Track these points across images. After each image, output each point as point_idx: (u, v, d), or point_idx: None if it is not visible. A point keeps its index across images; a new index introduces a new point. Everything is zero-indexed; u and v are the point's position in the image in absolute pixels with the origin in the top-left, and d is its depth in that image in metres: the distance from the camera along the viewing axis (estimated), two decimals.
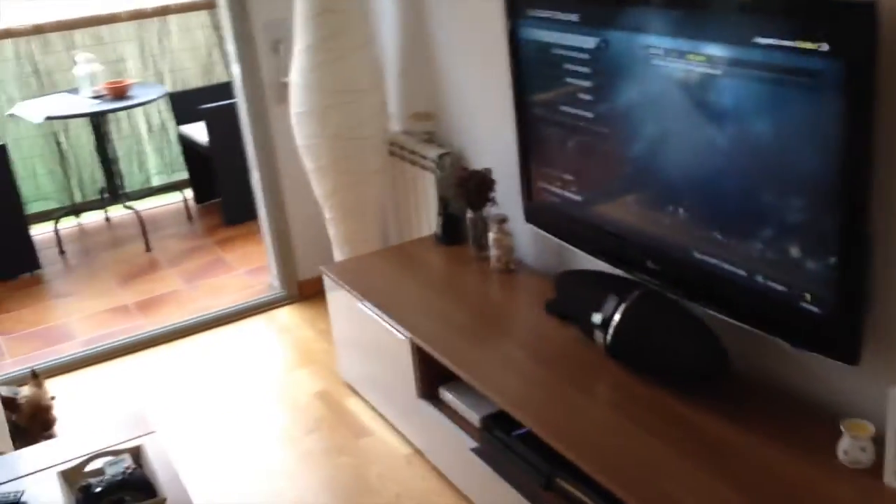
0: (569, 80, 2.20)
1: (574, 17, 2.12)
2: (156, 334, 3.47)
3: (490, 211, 2.75)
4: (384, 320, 2.55)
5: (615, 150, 2.13)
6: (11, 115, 4.26)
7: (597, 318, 2.16)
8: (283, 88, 3.36)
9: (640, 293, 2.13)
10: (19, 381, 3.03)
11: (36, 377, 2.76)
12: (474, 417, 2.33)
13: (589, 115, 2.18)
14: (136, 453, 1.87)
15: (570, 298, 2.38)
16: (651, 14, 1.89)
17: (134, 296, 3.92)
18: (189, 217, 4.83)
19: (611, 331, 2.12)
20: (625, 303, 2.12)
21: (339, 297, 2.83)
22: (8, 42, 4.57)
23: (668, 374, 2.07)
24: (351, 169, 3.11)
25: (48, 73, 4.66)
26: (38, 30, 4.63)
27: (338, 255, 3.31)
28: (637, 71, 1.97)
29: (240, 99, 3.50)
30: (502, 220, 2.65)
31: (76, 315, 3.78)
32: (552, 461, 2.01)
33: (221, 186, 4.57)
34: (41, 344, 3.54)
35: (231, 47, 3.40)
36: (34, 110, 4.20)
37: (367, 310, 2.64)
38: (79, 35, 4.72)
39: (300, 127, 3.11)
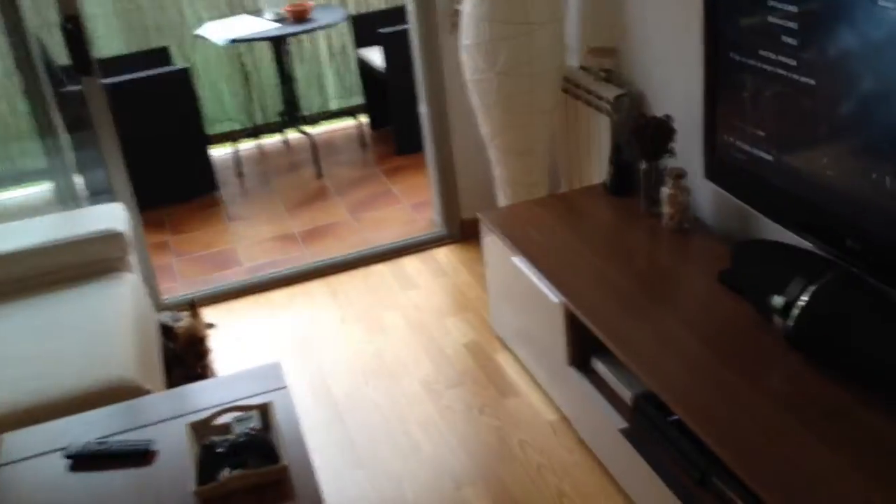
0: (771, 20, 1.86)
1: None
2: (315, 267, 3.44)
3: (667, 163, 2.45)
4: (537, 279, 2.34)
5: (821, 105, 1.78)
6: (198, 36, 4.32)
7: (778, 300, 1.85)
8: (456, 16, 3.16)
9: (835, 275, 1.80)
10: (183, 307, 3.11)
11: (193, 307, 2.78)
12: (626, 394, 2.10)
13: (792, 62, 1.83)
14: (265, 410, 1.80)
15: (750, 272, 2.07)
16: None
17: (301, 224, 3.92)
18: (363, 143, 4.78)
19: (794, 315, 1.81)
20: (815, 284, 1.80)
21: (494, 247, 2.65)
22: None
23: (860, 376, 1.74)
24: (520, 108, 2.87)
25: None
26: None
27: (501, 198, 3.11)
28: (856, 12, 1.61)
29: (412, 25, 3.33)
30: (679, 175, 2.34)
31: (245, 241, 3.83)
32: (710, 456, 1.76)
33: (395, 114, 4.47)
34: (210, 268, 3.61)
35: None
36: (220, 32, 4.23)
37: (520, 265, 2.44)
38: None
39: (469, 60, 2.90)
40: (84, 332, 2.33)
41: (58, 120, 3.06)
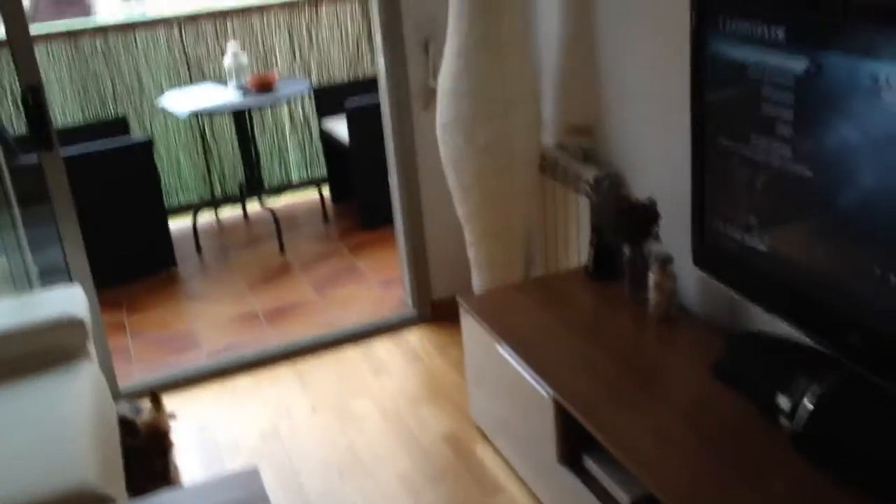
0: (765, 107, 1.83)
1: (780, 34, 1.74)
2: (281, 350, 3.30)
3: (651, 247, 2.39)
4: (524, 370, 2.25)
5: (819, 196, 1.74)
6: (159, 107, 4.21)
7: (784, 401, 1.78)
8: (430, 93, 3.11)
9: (841, 375, 1.74)
10: (141, 395, 2.95)
11: (156, 398, 2.62)
12: (623, 497, 2.00)
13: (787, 151, 1.79)
14: None
15: (746, 366, 2.00)
16: (885, 35, 1.49)
17: (264, 302, 3.78)
18: (325, 217, 4.69)
19: (802, 418, 1.74)
20: (820, 385, 1.73)
21: (474, 333, 2.56)
22: (162, 29, 4.54)
23: (871, 482, 1.67)
24: (497, 187, 2.82)
25: (198, 62, 4.61)
26: (192, 18, 4.59)
27: (476, 279, 3.03)
28: (857, 104, 1.58)
29: (384, 100, 3.28)
30: (666, 261, 2.29)
31: (206, 321, 3.67)
32: None
33: (359, 188, 4.39)
34: (168, 351, 3.45)
35: (378, 43, 3.17)
36: (181, 103, 4.13)
37: (505, 354, 2.35)
38: (230, 24, 4.64)
39: (445, 137, 2.84)
40: (40, 431, 2.16)
41: (9, 193, 2.92)
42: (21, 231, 2.92)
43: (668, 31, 2.31)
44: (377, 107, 3.37)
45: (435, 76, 2.97)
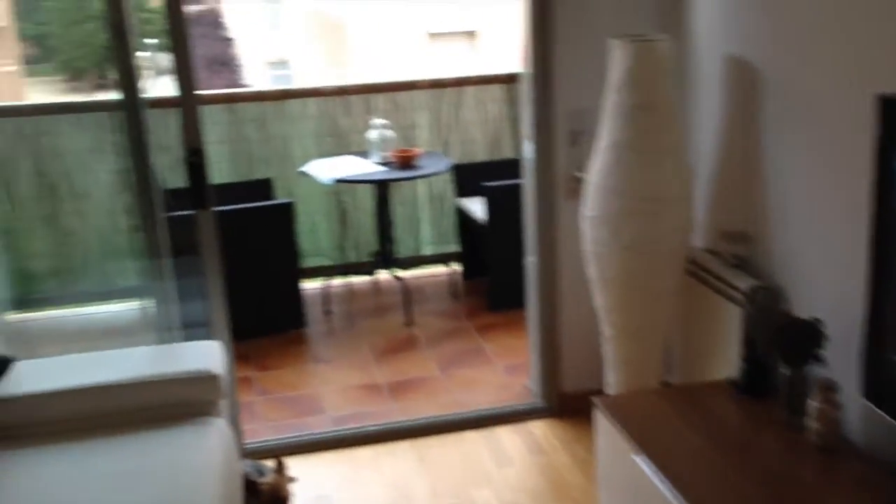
0: None
1: None
2: (403, 426, 3.27)
3: (813, 371, 2.25)
4: (663, 484, 2.12)
5: None
6: (303, 173, 4.34)
7: None
8: (575, 183, 3.08)
9: None
10: (264, 454, 2.96)
11: (280, 463, 2.62)
12: None
13: None
14: None
15: None
16: None
17: (388, 374, 3.77)
18: (454, 293, 4.68)
19: None
20: None
21: (609, 437, 2.45)
22: (313, 100, 4.70)
23: None
24: (640, 285, 2.74)
25: (344, 134, 4.74)
26: (342, 91, 4.74)
27: (610, 377, 2.93)
28: None
29: (528, 184, 3.27)
30: (830, 388, 2.14)
31: (331, 386, 3.69)
32: None
33: (491, 268, 4.38)
34: (294, 412, 3.47)
35: (527, 129, 3.18)
36: (325, 170, 4.25)
37: (642, 464, 2.23)
38: (378, 99, 4.77)
39: (590, 231, 2.79)
40: (166, 483, 2.17)
41: (162, 243, 3.01)
42: (169, 281, 3.01)
43: (842, 140, 2.21)
44: (515, 188, 3.37)
45: (582, 167, 2.94)
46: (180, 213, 2.98)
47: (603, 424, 2.49)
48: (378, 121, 4.39)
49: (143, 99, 2.74)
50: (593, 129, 2.78)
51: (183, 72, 2.72)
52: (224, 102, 4.63)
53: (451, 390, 3.60)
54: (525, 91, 3.15)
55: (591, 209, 2.78)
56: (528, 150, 3.21)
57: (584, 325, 3.20)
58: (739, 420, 2.38)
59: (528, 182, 3.27)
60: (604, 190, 2.71)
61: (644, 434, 2.31)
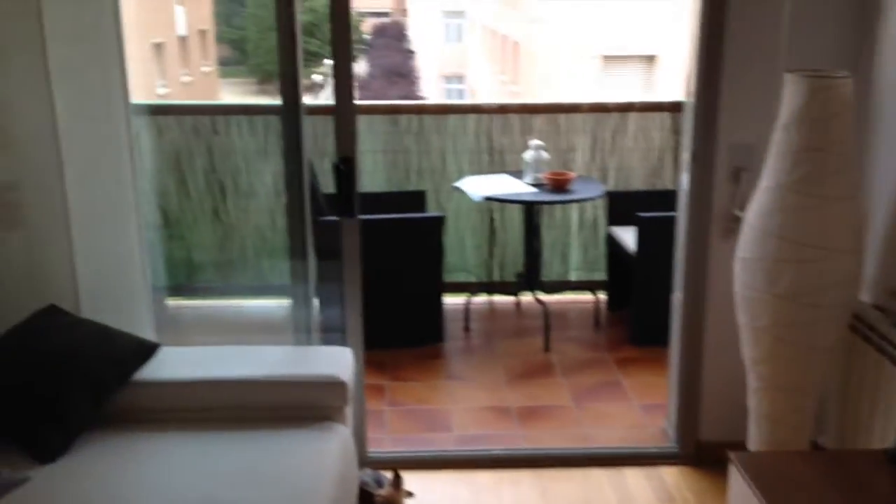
0: None
1: None
2: (528, 454, 3.19)
3: None
4: None
5: None
6: (455, 188, 4.35)
7: None
8: (733, 222, 2.90)
9: None
10: (385, 465, 2.95)
11: (397, 477, 2.61)
12: None
13: None
14: None
15: None
16: None
17: (519, 399, 3.70)
18: (597, 323, 4.55)
19: None
20: None
21: (742, 496, 2.27)
22: (473, 117, 4.71)
23: None
24: (795, 338, 2.53)
25: (501, 152, 4.72)
26: (503, 110, 4.73)
27: (753, 431, 2.73)
28: None
29: (681, 219, 3.12)
30: None
31: (461, 404, 3.66)
32: None
33: (637, 301, 4.22)
34: (421, 426, 3.47)
35: (685, 161, 3.03)
36: (477, 187, 4.24)
37: None
38: (538, 120, 4.72)
39: (743, 274, 2.62)
40: (282, 483, 2.19)
41: (309, 246, 3.08)
42: (312, 284, 3.06)
43: None
44: (669, 221, 3.22)
45: (741, 206, 2.77)
46: (332, 218, 3.04)
47: (738, 482, 2.31)
48: (535, 142, 4.34)
49: (302, 105, 2.81)
50: (758, 167, 2.61)
51: (341, 81, 2.76)
52: (386, 113, 4.71)
53: (582, 423, 3.49)
54: (686, 121, 3.01)
55: (745, 251, 2.60)
56: (684, 183, 3.06)
57: (729, 372, 3.00)
58: (893, 499, 2.15)
59: (681, 216, 3.12)
60: (762, 232, 2.53)
61: (781, 499, 2.12)
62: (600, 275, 4.78)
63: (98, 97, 2.64)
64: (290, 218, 2.97)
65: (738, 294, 2.66)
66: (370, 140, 4.62)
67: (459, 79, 29.41)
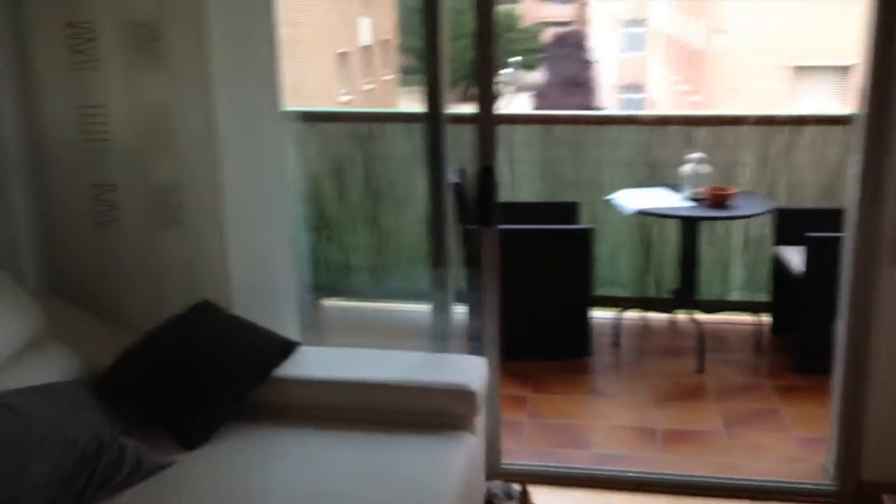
0: None
1: None
2: (669, 481, 3.05)
3: None
4: None
5: None
6: (609, 201, 4.26)
7: None
8: None
9: None
10: (517, 477, 2.92)
11: (525, 492, 2.57)
12: None
13: None
14: None
15: None
16: None
17: (665, 421, 3.56)
18: (758, 347, 4.30)
19: None
20: None
21: None
22: (631, 127, 4.59)
23: None
24: None
25: (658, 165, 4.57)
26: (662, 121, 4.58)
27: None
28: None
29: (847, 240, 2.89)
30: None
31: (602, 422, 3.57)
32: None
33: (803, 326, 3.96)
34: (558, 440, 3.40)
35: (854, 175, 2.80)
36: (631, 200, 4.13)
37: None
38: (699, 132, 4.53)
39: None
40: (404, 489, 2.21)
41: (450, 253, 3.08)
42: (450, 291, 3.07)
43: None
44: (839, 241, 2.99)
45: None
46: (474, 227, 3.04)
47: None
48: (694, 155, 4.17)
49: (444, 113, 2.83)
50: None
51: (484, 92, 2.76)
52: (541, 123, 4.67)
53: (732, 451, 3.30)
54: (856, 134, 2.79)
55: None
56: (852, 201, 2.84)
57: None
58: None
59: (848, 236, 2.89)
60: None
61: None
62: (763, 296, 4.53)
63: (255, 104, 2.76)
64: (432, 225, 2.99)
65: None
66: (524, 150, 4.59)
67: (638, 88, 28.83)
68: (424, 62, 2.78)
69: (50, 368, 2.40)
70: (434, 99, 2.81)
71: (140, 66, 2.62)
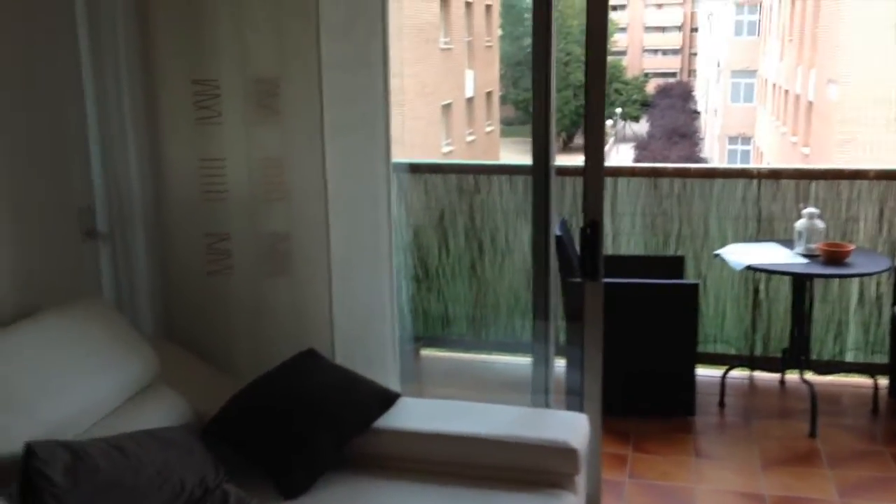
0: None
1: None
2: None
3: None
4: None
5: None
6: (716, 255, 4.15)
7: None
8: None
9: None
10: None
11: None
12: None
13: None
14: None
15: None
16: None
17: (774, 487, 3.39)
18: (875, 410, 4.08)
19: None
20: None
21: None
22: (741, 180, 4.49)
23: None
24: None
25: (770, 219, 4.44)
26: (775, 175, 4.46)
27: None
28: None
29: None
30: None
31: (707, 486, 3.43)
32: None
33: None
34: (661, 503, 3.29)
35: None
36: (741, 255, 4.01)
37: None
38: (814, 186, 4.39)
39: None
40: None
41: (553, 306, 3.06)
42: (552, 345, 3.05)
43: None
44: None
45: None
46: (576, 279, 3.01)
47: None
48: (808, 209, 4.03)
49: (552, 166, 2.83)
50: None
51: (593, 145, 2.75)
52: (647, 176, 4.61)
53: None
54: None
55: None
56: None
57: None
58: None
59: None
60: None
61: None
62: (882, 357, 4.31)
63: (364, 156, 2.84)
64: (535, 277, 2.98)
65: None
66: (629, 202, 4.54)
67: (746, 140, 28.23)
68: (533, 114, 2.79)
69: (161, 412, 2.48)
70: (542, 151, 2.82)
71: (258, 121, 2.74)
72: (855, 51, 16.81)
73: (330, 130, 2.70)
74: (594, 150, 2.73)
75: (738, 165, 4.92)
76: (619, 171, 4.84)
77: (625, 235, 4.54)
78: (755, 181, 4.46)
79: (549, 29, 2.74)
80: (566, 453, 2.48)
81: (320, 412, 2.55)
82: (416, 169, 4.66)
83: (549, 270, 2.95)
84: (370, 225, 2.90)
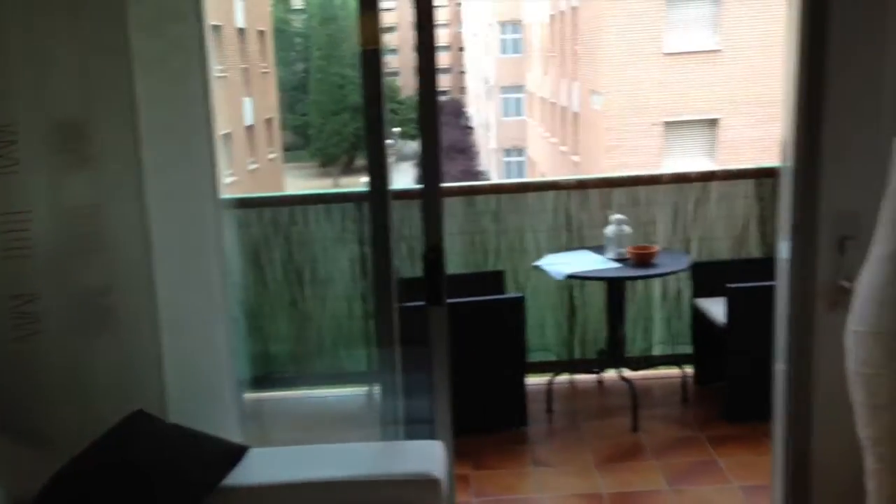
0: None
1: None
2: None
3: None
4: None
5: None
6: (536, 267, 4.29)
7: None
8: (840, 294, 2.75)
9: None
10: None
11: None
12: None
13: None
14: None
15: None
16: None
17: (610, 484, 3.54)
18: (684, 398, 4.37)
19: None
20: None
21: None
22: (550, 194, 4.67)
23: None
24: None
25: (580, 228, 4.65)
26: (581, 185, 4.68)
27: None
28: None
29: (781, 291, 2.96)
30: None
31: (549, 493, 3.54)
32: None
33: (731, 375, 4.05)
34: None
35: (784, 230, 2.90)
36: (558, 265, 4.17)
37: None
38: (617, 194, 4.65)
39: (857, 348, 2.46)
40: None
41: (393, 333, 3.01)
42: (399, 375, 2.99)
43: None
44: (760, 290, 3.11)
45: (849, 277, 2.63)
46: (411, 304, 2.98)
47: None
48: (616, 216, 4.27)
49: (390, 190, 2.79)
50: (865, 235, 2.48)
51: (429, 169, 2.73)
52: (463, 195, 4.69)
53: None
54: (784, 187, 2.89)
55: (859, 324, 2.45)
56: (783, 252, 2.93)
57: (842, 452, 2.80)
58: None
59: (781, 286, 2.97)
60: (878, 304, 2.38)
61: None
62: (685, 348, 4.63)
63: (189, 195, 2.65)
64: (378, 305, 2.92)
65: (852, 370, 2.50)
66: (447, 221, 4.55)
67: (520, 151, 29.66)
68: (366, 143, 2.73)
69: None
70: (378, 178, 2.75)
71: (64, 167, 2.48)
72: (614, 63, 18.19)
73: (150, 171, 2.50)
74: (431, 174, 2.73)
75: (549, 178, 5.15)
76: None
77: (446, 255, 4.58)
78: (563, 192, 4.66)
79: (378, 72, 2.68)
80: (429, 484, 2.43)
81: (159, 479, 2.34)
82: (249, 204, 4.48)
83: (392, 297, 2.89)
84: (199, 269, 2.71)
